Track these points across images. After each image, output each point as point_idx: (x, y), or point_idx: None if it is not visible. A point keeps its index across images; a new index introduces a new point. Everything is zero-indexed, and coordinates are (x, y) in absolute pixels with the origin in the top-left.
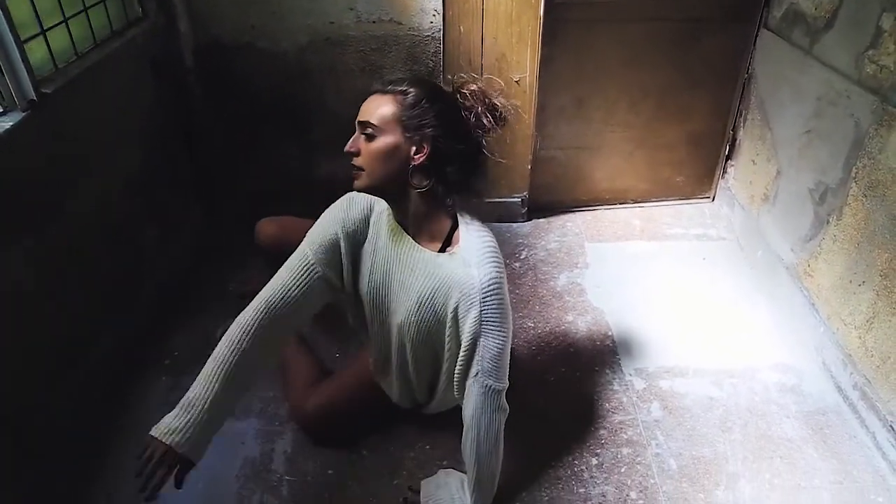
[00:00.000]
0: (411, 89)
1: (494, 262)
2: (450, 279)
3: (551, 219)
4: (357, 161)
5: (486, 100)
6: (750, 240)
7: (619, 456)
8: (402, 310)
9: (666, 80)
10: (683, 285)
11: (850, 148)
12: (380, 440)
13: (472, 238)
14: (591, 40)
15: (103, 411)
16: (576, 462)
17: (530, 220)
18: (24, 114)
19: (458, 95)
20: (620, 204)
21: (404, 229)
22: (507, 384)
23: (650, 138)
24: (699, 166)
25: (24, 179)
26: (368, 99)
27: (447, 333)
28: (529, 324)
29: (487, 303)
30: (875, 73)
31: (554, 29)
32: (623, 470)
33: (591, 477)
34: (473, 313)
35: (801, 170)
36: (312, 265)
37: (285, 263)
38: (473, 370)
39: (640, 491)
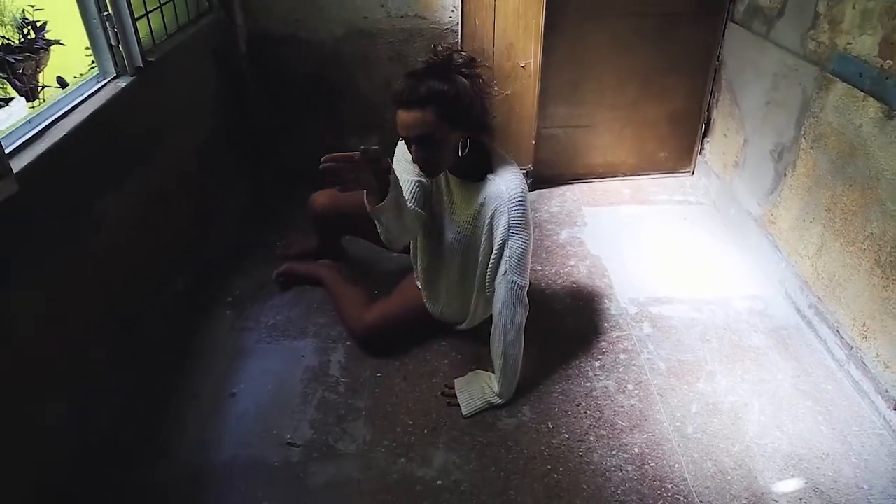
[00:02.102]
0: (435, 91)
1: (518, 179)
2: (487, 198)
3: (552, 189)
4: (427, 162)
5: (471, 61)
6: (724, 202)
7: (617, 360)
8: (454, 229)
9: (648, 66)
10: (668, 238)
11: (800, 111)
12: (419, 351)
13: (500, 165)
14: (585, 31)
15: (184, 334)
16: (581, 364)
17: (534, 190)
18: (132, 77)
19: (454, 68)
20: (612, 177)
21: (451, 172)
22: (528, 282)
23: (636, 116)
24: (680, 143)
25: (130, 132)
26: (406, 116)
27: (483, 239)
28: (538, 267)
29: (513, 210)
30: (815, 48)
31: (554, 21)
32: (621, 370)
33: (595, 375)
34: (503, 219)
35: (764, 135)
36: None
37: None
38: (502, 269)
39: (636, 384)
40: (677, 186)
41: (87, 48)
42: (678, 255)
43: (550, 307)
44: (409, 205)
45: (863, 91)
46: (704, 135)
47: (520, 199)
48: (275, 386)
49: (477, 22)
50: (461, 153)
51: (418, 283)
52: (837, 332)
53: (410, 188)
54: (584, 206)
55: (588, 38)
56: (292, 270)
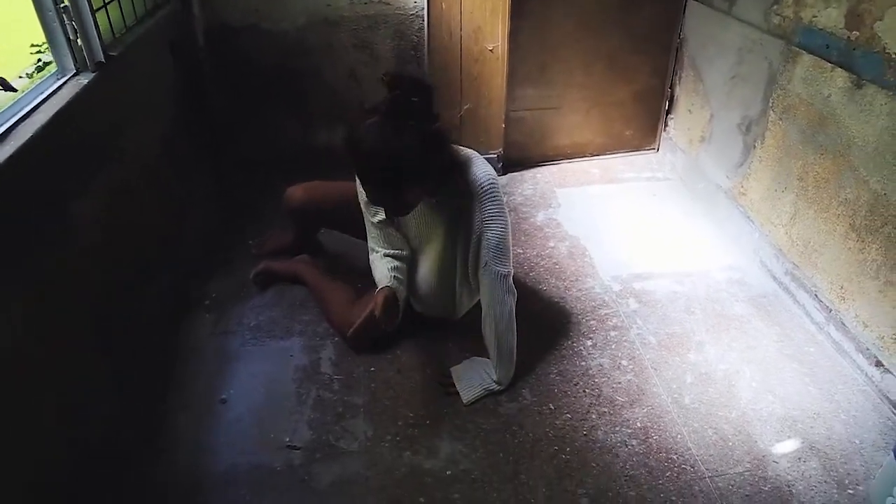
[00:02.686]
0: (390, 181)
1: (482, 170)
2: (457, 199)
3: (524, 172)
4: (397, 213)
5: (413, 84)
6: (691, 176)
7: (608, 337)
8: (430, 237)
9: (613, 46)
10: (640, 215)
11: (766, 84)
12: (411, 343)
13: (462, 163)
14: (550, 13)
15: (166, 340)
16: (574, 344)
17: (506, 173)
18: (94, 73)
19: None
20: (581, 157)
21: None
22: (511, 269)
23: (603, 97)
24: (645, 121)
25: (93, 130)
26: (372, 188)
27: (461, 236)
28: (518, 250)
29: (485, 201)
30: (780, 23)
31: (520, 3)
32: (613, 346)
33: (589, 353)
34: (477, 214)
35: (730, 109)
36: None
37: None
38: (483, 260)
39: (630, 360)
40: (644, 164)
41: (33, 45)
42: (653, 232)
43: (536, 289)
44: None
45: (830, 62)
46: (668, 112)
47: (489, 189)
48: (266, 388)
49: (443, 6)
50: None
51: None
52: (815, 296)
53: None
54: (557, 187)
55: (554, 19)
56: (270, 269)
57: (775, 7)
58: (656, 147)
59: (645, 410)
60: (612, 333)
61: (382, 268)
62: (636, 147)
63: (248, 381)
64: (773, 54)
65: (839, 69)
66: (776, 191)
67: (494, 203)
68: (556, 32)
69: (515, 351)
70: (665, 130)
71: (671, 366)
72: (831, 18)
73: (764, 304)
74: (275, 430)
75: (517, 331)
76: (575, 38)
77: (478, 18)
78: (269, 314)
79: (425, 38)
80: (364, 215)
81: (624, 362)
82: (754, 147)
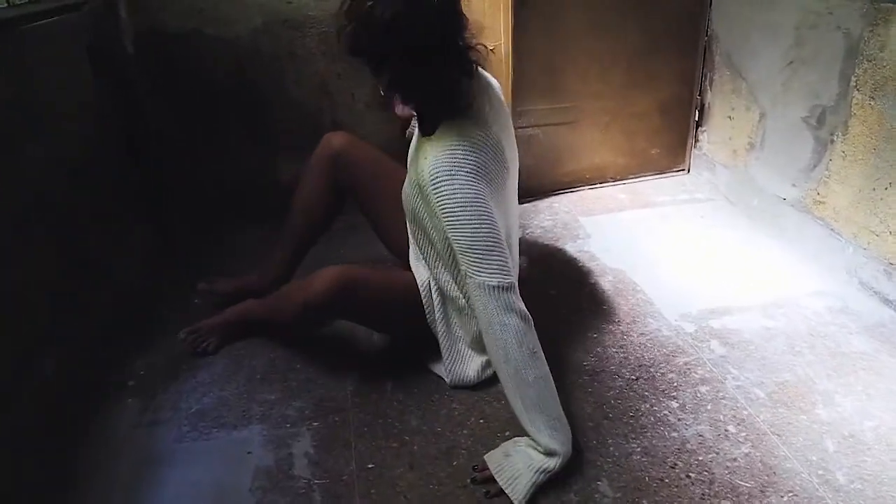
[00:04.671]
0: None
1: (446, 153)
2: (416, 170)
3: (537, 202)
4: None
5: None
6: (741, 193)
7: (698, 395)
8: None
9: (632, 47)
10: (690, 240)
11: (844, 60)
12: (422, 423)
13: (445, 127)
14: (559, 7)
15: (64, 440)
16: (654, 409)
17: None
18: None
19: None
20: (601, 183)
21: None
22: (507, 279)
23: (624, 108)
24: (672, 136)
25: None
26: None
27: (428, 225)
28: (552, 291)
29: (434, 194)
30: None
31: None
32: (709, 407)
33: (678, 420)
34: (431, 206)
35: (789, 104)
36: None
37: None
38: (462, 270)
39: (738, 424)
40: (675, 186)
41: None
42: (713, 259)
43: (585, 338)
44: None
45: None
46: (699, 124)
47: (441, 179)
48: None
49: None
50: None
51: None
52: None
53: None
54: (580, 216)
55: (564, 12)
56: (209, 325)
57: None
58: (686, 168)
59: (786, 500)
60: (703, 389)
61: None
62: (663, 168)
63: (185, 495)
64: (849, 21)
65: None
66: (874, 190)
67: (448, 197)
68: (567, 28)
69: (555, 395)
70: (696, 146)
71: (799, 428)
72: None
73: (886, 334)
74: None
75: (570, 391)
76: (588, 36)
77: (475, 10)
78: (218, 394)
79: None
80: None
81: (731, 428)
82: (831, 142)
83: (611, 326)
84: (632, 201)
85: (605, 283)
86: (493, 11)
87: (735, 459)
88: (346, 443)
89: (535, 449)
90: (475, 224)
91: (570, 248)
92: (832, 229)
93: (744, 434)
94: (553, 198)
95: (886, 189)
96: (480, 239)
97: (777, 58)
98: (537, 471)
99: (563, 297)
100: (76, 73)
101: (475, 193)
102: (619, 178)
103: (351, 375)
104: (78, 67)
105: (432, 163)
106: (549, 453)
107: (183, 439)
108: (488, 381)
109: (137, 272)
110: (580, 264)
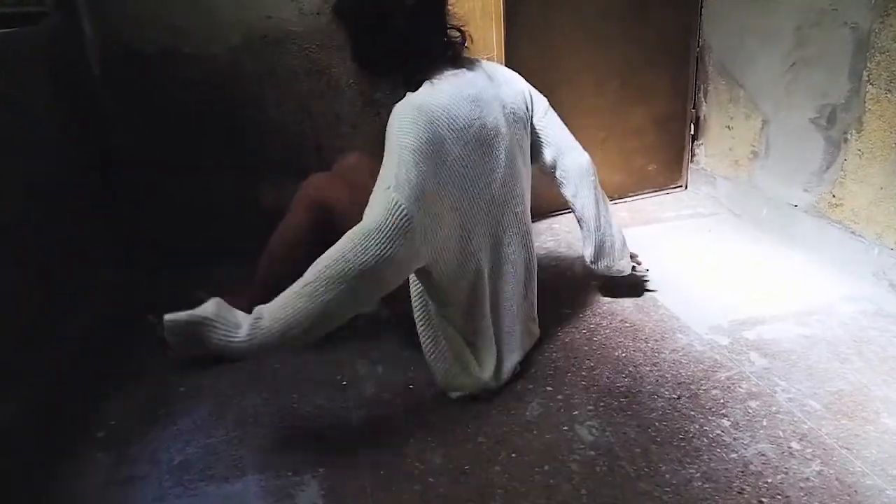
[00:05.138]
0: None
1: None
2: None
3: (536, 224)
4: None
5: None
6: (746, 204)
7: (749, 411)
8: None
9: (626, 61)
10: (701, 253)
11: (853, 55)
12: (446, 461)
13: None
14: (551, 20)
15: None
16: (705, 429)
17: None
18: None
19: None
20: None
21: None
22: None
23: (619, 123)
24: (668, 152)
25: None
26: None
27: None
28: (566, 310)
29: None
30: None
31: (515, 7)
32: (765, 423)
33: (735, 439)
34: None
35: (794, 107)
36: None
37: None
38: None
39: (801, 440)
40: (675, 202)
41: None
42: (731, 271)
43: (613, 358)
44: None
45: None
46: (695, 137)
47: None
48: None
49: None
50: None
51: None
52: None
53: None
54: None
55: (556, 29)
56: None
57: None
58: (683, 184)
59: None
60: (753, 404)
61: None
62: (661, 185)
63: None
64: (856, 15)
65: None
66: None
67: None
68: (560, 43)
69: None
70: (693, 161)
71: (868, 440)
72: None
73: None
74: None
75: (611, 417)
76: (581, 50)
77: (464, 21)
78: (204, 442)
79: None
80: None
81: (795, 445)
82: (844, 141)
83: (638, 344)
84: (634, 218)
85: (624, 301)
86: (485, 26)
87: (808, 479)
88: (361, 489)
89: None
90: (400, 147)
91: (579, 268)
92: (853, 232)
93: (810, 450)
94: (552, 218)
95: None
96: (396, 158)
97: (777, 61)
98: None
99: (581, 320)
100: (38, 95)
101: (405, 135)
102: (617, 195)
103: (357, 411)
104: (40, 89)
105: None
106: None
107: (165, 497)
108: (517, 415)
109: (107, 305)
110: (593, 283)
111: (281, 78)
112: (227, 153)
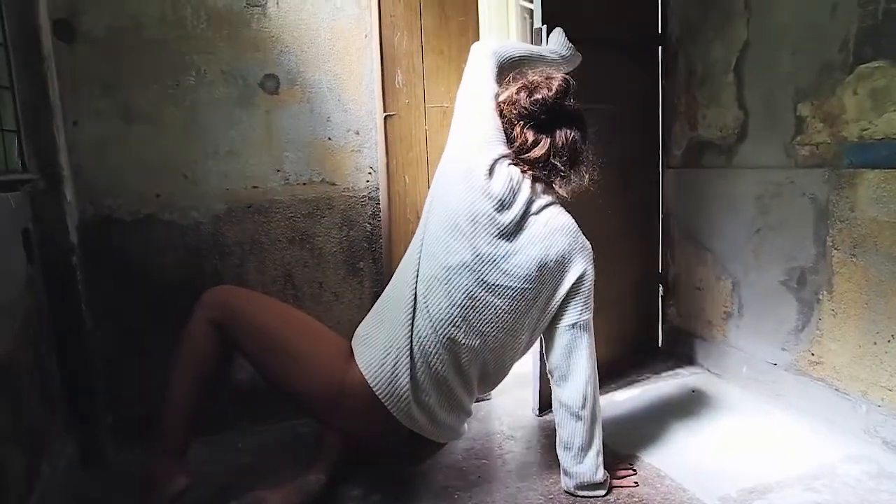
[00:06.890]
0: None
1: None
2: None
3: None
4: None
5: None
6: (724, 365)
7: None
8: None
9: (603, 231)
10: (692, 416)
11: (815, 222)
12: None
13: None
14: None
15: None
16: None
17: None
18: None
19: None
20: None
21: None
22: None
23: (602, 293)
24: (644, 317)
25: None
26: None
27: None
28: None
29: None
30: (812, 152)
31: None
32: None
33: None
34: None
35: (763, 269)
36: None
37: None
38: None
39: None
40: (653, 363)
41: None
42: (721, 433)
43: None
44: None
45: None
46: (666, 300)
47: None
48: None
49: (407, 179)
50: None
51: None
52: None
53: None
54: None
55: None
56: None
57: (798, 139)
58: (657, 343)
59: None
60: None
61: None
62: (636, 349)
63: None
64: (813, 187)
65: None
66: (875, 344)
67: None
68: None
69: None
70: (665, 322)
71: None
72: (894, 124)
73: None
74: None
75: None
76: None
77: None
78: None
79: (383, 226)
80: None
81: None
82: (817, 301)
83: None
84: (619, 382)
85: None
86: None
87: None
88: None
89: None
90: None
91: None
92: (837, 389)
93: None
94: None
95: (889, 342)
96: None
97: (742, 227)
98: None
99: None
100: (5, 260)
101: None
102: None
103: None
104: (7, 253)
105: None
106: None
107: None
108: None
109: (59, 491)
110: None
111: (264, 246)
112: None
